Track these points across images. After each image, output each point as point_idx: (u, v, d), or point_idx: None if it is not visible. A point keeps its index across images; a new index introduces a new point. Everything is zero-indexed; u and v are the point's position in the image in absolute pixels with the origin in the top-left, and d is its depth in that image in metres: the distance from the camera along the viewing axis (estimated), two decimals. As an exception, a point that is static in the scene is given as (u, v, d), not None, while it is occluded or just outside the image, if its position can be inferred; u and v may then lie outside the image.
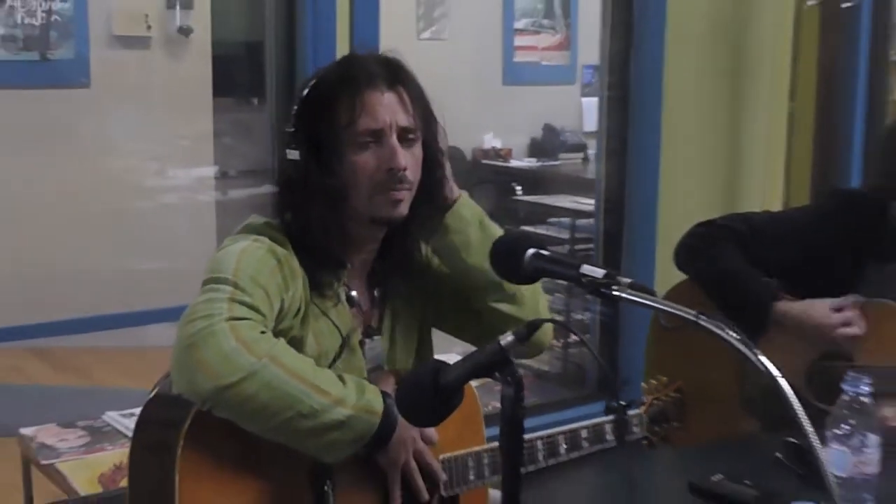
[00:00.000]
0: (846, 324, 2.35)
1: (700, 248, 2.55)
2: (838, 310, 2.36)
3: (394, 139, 1.83)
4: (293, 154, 1.86)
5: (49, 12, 5.43)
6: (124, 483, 1.88)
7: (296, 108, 1.90)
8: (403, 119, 1.84)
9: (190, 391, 1.63)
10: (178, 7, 5.83)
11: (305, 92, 1.90)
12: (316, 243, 1.86)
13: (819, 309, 2.37)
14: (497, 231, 1.94)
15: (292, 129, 1.89)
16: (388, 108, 1.83)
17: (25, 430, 3.24)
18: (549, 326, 2.07)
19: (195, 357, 1.62)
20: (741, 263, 2.50)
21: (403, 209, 1.86)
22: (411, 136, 1.85)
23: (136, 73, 5.81)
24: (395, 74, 1.87)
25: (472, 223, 1.93)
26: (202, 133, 6.03)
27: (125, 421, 3.26)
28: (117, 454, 3.03)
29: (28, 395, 5.11)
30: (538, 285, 1.99)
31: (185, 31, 5.87)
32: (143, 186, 5.83)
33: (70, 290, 5.10)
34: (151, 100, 5.86)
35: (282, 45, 2.86)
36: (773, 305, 2.42)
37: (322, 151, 1.84)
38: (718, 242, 2.53)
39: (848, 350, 2.42)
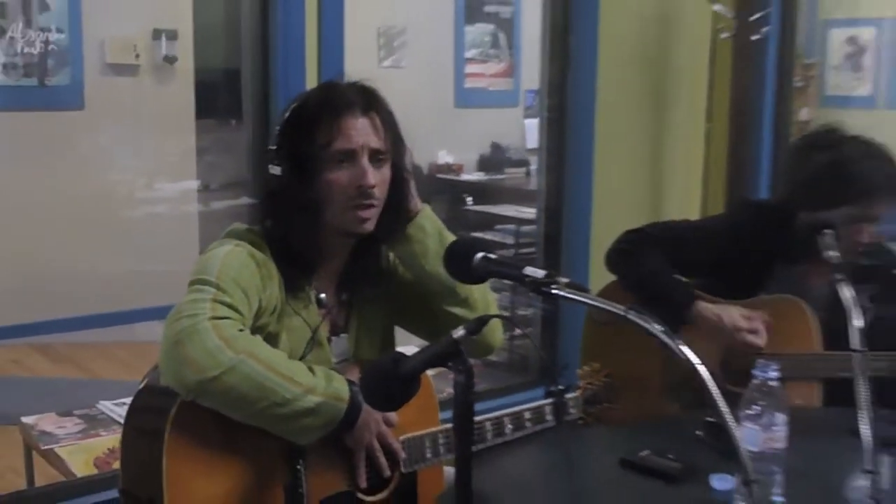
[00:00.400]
0: (752, 331, 2.36)
1: (628, 253, 2.56)
2: (748, 318, 2.37)
3: (365, 160, 1.83)
4: (275, 169, 1.86)
5: (47, 42, 5.38)
6: (117, 465, 1.86)
7: (279, 127, 1.90)
8: (374, 142, 1.84)
9: (177, 383, 1.63)
10: (163, 38, 5.81)
11: (288, 113, 1.90)
12: (291, 250, 1.85)
13: (732, 313, 2.39)
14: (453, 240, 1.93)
15: (275, 147, 1.88)
16: (361, 132, 1.83)
17: (27, 419, 3.22)
18: (499, 329, 2.09)
19: (181, 353, 1.61)
20: (663, 268, 2.50)
21: (370, 225, 1.86)
22: (381, 157, 1.85)
23: (126, 97, 5.77)
24: (370, 102, 1.87)
25: (432, 234, 1.93)
26: (186, 150, 6.01)
27: (118, 409, 3.24)
28: (111, 439, 3.01)
29: (29, 387, 5.06)
30: (488, 291, 2.00)
31: (170, 60, 5.85)
32: (133, 198, 5.80)
33: (67, 290, 5.04)
34: (140, 121, 5.82)
35: (257, 73, 2.85)
36: (690, 307, 2.42)
37: (301, 167, 1.84)
38: (644, 249, 2.53)
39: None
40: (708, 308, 2.41)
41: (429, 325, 2.03)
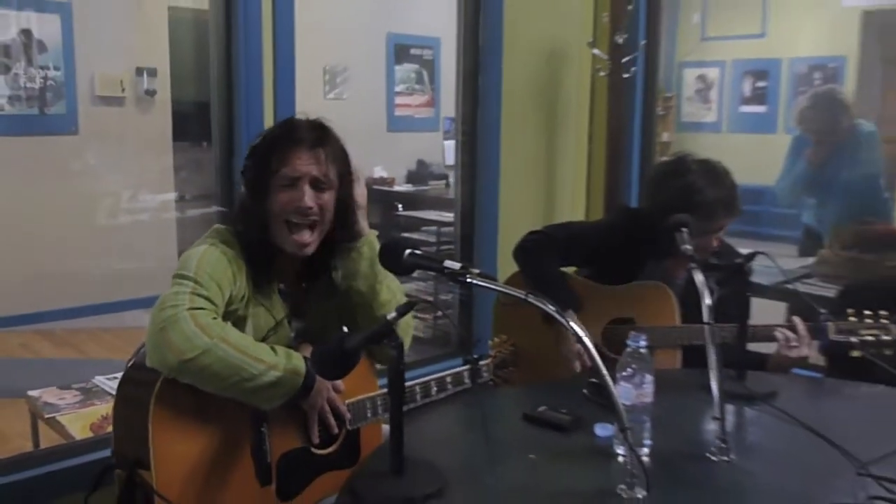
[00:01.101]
0: (580, 356, 2.37)
1: (529, 251, 2.57)
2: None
3: (305, 185, 1.80)
4: (241, 187, 1.87)
5: (45, 78, 5.29)
6: (110, 429, 1.82)
7: (247, 153, 1.88)
8: (316, 171, 1.81)
9: (160, 364, 1.62)
10: (145, 74, 5.73)
11: (254, 143, 1.88)
12: (255, 249, 1.83)
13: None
14: (383, 270, 1.87)
15: (242, 169, 1.88)
16: (305, 163, 1.81)
17: (32, 392, 3.16)
18: (409, 334, 2.02)
19: (164, 338, 1.60)
20: (553, 270, 2.51)
21: (308, 250, 1.84)
22: (322, 185, 1.82)
23: (113, 124, 5.67)
24: (320, 138, 1.84)
25: (364, 259, 1.89)
26: (165, 168, 5.92)
27: (110, 383, 3.19)
28: (104, 408, 2.96)
29: (35, 366, 4.94)
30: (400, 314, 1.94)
31: (150, 93, 5.77)
32: (120, 208, 5.70)
33: (66, 285, 4.96)
34: (126, 144, 5.73)
35: (223, 104, 2.80)
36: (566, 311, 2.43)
37: (257, 188, 1.83)
38: (542, 248, 2.54)
39: (631, 318, 2.48)
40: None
41: (351, 324, 2.00)
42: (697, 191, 2.35)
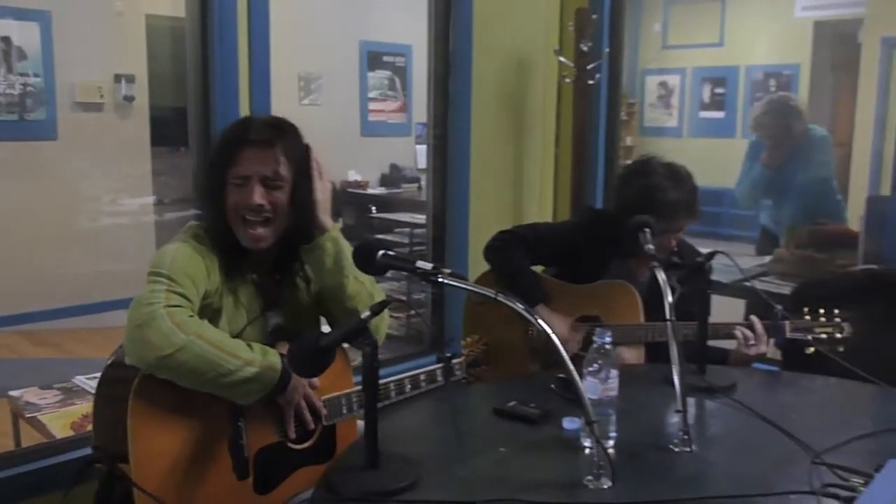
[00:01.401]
0: (565, 342, 2.37)
1: (499, 249, 2.57)
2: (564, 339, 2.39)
3: (255, 184, 1.79)
4: (205, 185, 1.85)
5: (25, 85, 5.24)
6: (90, 428, 1.80)
7: (211, 148, 1.89)
8: (267, 170, 1.80)
9: (139, 360, 1.60)
10: (123, 81, 5.67)
11: (216, 141, 1.89)
12: (226, 243, 1.82)
13: (559, 328, 2.41)
14: (348, 262, 1.85)
15: (205, 170, 1.88)
16: (255, 161, 1.79)
17: (14, 392, 3.12)
18: (384, 327, 2.00)
19: (142, 335, 1.58)
20: (522, 269, 2.52)
21: (263, 245, 1.83)
22: (273, 183, 1.81)
23: (93, 130, 5.61)
24: (275, 137, 1.82)
25: (328, 254, 1.87)
26: (143, 172, 5.87)
27: (90, 382, 3.16)
28: (84, 407, 2.93)
29: (16, 366, 4.88)
30: (373, 298, 1.91)
31: (129, 99, 5.72)
32: (100, 211, 5.65)
33: (48, 287, 4.88)
34: (105, 149, 5.68)
35: (200, 110, 2.78)
36: (536, 304, 2.45)
37: (212, 184, 1.82)
38: (512, 248, 2.55)
39: (597, 316, 2.49)
40: (542, 315, 2.41)
41: (326, 315, 2.00)
42: (661, 191, 2.37)
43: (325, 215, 1.88)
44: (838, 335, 2.26)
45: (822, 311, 2.30)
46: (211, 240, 1.81)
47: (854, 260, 3.52)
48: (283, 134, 1.84)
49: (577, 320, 2.50)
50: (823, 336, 2.27)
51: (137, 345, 1.59)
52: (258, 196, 1.79)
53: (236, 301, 1.83)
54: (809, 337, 2.27)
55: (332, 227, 1.89)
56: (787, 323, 2.31)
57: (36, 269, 5.15)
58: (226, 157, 1.81)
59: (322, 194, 1.87)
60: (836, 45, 8.21)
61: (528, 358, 2.58)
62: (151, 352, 1.57)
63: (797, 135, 3.92)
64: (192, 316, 1.65)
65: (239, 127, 1.86)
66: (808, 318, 2.31)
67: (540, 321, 1.54)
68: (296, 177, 1.84)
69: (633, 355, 2.41)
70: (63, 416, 2.90)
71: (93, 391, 2.87)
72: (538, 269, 2.70)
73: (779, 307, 2.32)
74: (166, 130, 5.95)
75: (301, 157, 1.85)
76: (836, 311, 2.29)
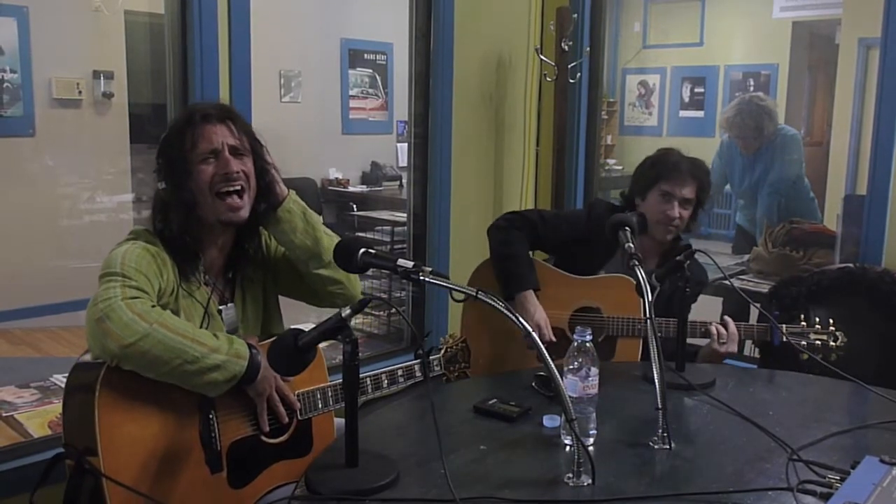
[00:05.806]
0: (539, 328, 2.40)
1: (503, 229, 2.59)
2: (540, 325, 2.40)
3: (226, 153, 1.82)
4: (160, 183, 1.85)
5: (2, 81, 5.15)
6: (67, 426, 1.77)
7: (158, 149, 1.88)
8: (231, 140, 1.84)
9: (101, 352, 1.58)
10: (102, 78, 5.59)
11: (163, 136, 1.87)
12: (177, 243, 1.82)
13: (539, 314, 2.42)
14: (315, 217, 1.96)
15: (156, 168, 1.87)
16: (219, 134, 1.83)
17: (-10, 391, 3.06)
18: (358, 285, 2.07)
19: (103, 327, 1.57)
20: (520, 251, 2.54)
21: (243, 214, 1.85)
22: (240, 151, 1.85)
23: (71, 127, 5.54)
24: (225, 113, 1.87)
25: (297, 214, 1.94)
26: (122, 170, 5.81)
27: (67, 381, 3.12)
28: (61, 405, 2.89)
29: (-8, 365, 4.81)
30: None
31: (107, 96, 5.64)
32: (78, 209, 5.58)
33: (24, 285, 4.82)
34: (83, 146, 5.60)
35: (179, 106, 2.76)
36: (519, 293, 2.45)
37: (175, 173, 1.82)
38: (515, 227, 2.58)
39: (597, 307, 2.49)
40: (529, 300, 2.44)
41: (302, 288, 2.03)
42: (666, 154, 2.52)
43: (280, 183, 1.95)
44: (832, 343, 2.29)
45: (817, 319, 2.34)
46: (162, 240, 1.81)
47: (831, 259, 3.55)
48: (231, 110, 1.90)
49: (576, 311, 2.50)
50: (818, 343, 2.29)
51: (99, 337, 1.57)
52: (234, 164, 1.83)
53: (191, 300, 1.82)
54: (803, 343, 2.29)
55: (290, 192, 1.96)
56: (783, 326, 2.33)
57: (12, 267, 5.08)
58: (186, 138, 1.82)
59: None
60: (814, 45, 8.29)
61: (508, 354, 2.58)
62: (114, 342, 1.56)
63: (768, 135, 3.97)
64: (153, 306, 1.64)
65: (189, 111, 1.89)
66: (803, 324, 2.34)
67: (519, 319, 1.54)
68: (253, 148, 1.89)
69: (630, 349, 2.42)
70: (40, 414, 2.88)
71: (70, 390, 2.85)
72: (541, 256, 2.71)
73: (775, 313, 2.37)
74: (145, 127, 5.90)
75: (250, 131, 1.91)
76: (832, 320, 2.33)
